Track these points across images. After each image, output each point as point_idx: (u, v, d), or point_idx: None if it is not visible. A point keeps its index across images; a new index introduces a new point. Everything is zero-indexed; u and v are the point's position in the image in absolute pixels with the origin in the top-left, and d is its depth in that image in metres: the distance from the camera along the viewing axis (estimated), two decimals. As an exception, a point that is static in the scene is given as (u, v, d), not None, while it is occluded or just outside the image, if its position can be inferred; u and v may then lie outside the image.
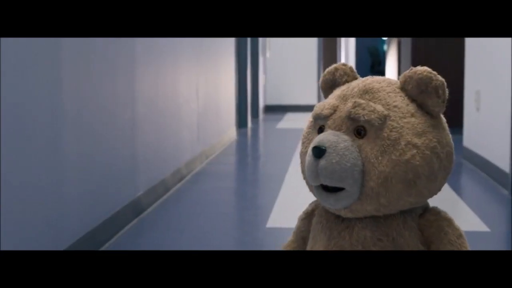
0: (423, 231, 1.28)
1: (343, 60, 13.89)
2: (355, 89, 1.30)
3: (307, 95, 10.62)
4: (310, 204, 1.43)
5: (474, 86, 4.86)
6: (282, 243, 2.86)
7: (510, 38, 3.92)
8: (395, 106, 1.25)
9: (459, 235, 1.28)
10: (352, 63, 15.99)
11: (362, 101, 1.26)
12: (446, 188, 4.07)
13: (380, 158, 1.22)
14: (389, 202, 1.23)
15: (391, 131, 1.23)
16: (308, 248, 1.37)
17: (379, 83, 1.31)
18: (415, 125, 1.24)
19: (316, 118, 1.32)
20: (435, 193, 1.29)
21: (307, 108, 10.58)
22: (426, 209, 1.32)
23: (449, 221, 1.29)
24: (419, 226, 1.28)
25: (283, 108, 10.63)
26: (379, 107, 1.25)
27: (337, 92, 1.35)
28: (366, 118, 1.23)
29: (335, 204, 1.25)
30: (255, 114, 9.08)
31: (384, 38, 17.52)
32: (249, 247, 2.81)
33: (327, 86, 1.41)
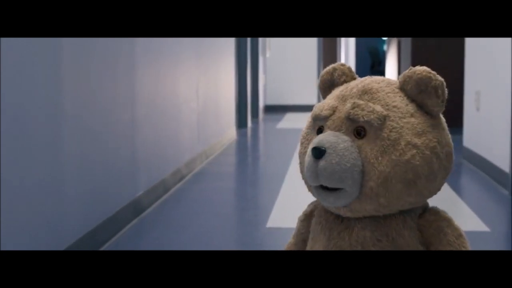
0: (422, 232, 1.28)
1: (343, 60, 13.89)
2: (354, 90, 1.30)
3: (307, 95, 10.62)
4: (309, 205, 1.43)
5: (474, 86, 4.86)
6: (283, 244, 2.86)
7: (510, 38, 3.92)
8: (394, 106, 1.25)
9: (459, 235, 1.28)
10: (352, 63, 15.98)
11: (361, 102, 1.25)
12: (446, 188, 4.07)
13: (380, 158, 1.22)
14: (388, 202, 1.23)
15: (390, 131, 1.22)
16: (308, 248, 1.37)
17: (378, 83, 1.30)
18: (415, 125, 1.23)
19: (315, 118, 1.32)
20: (435, 193, 1.29)
21: (307, 108, 10.58)
22: (426, 209, 1.31)
23: (448, 221, 1.29)
24: (418, 226, 1.28)
25: (283, 108, 10.63)
26: (378, 108, 1.24)
27: (336, 92, 1.34)
28: (365, 118, 1.23)
29: (334, 202, 1.24)
30: (255, 114, 9.08)
31: (384, 38, 17.52)
32: (249, 247, 2.81)
33: (325, 86, 1.41)
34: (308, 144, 1.33)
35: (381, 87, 1.29)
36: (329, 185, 1.23)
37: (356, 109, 1.25)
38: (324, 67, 13.04)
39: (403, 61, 7.98)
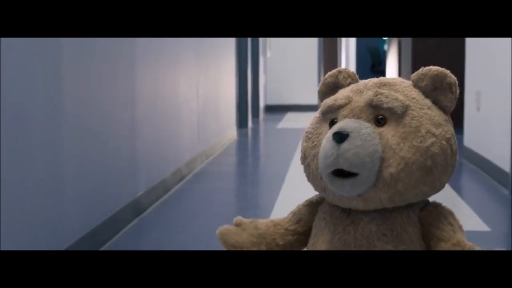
0: (423, 220, 1.30)
1: (343, 60, 13.89)
2: (370, 83, 1.33)
3: (307, 95, 10.62)
4: (315, 196, 1.43)
5: (475, 87, 4.86)
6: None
7: (510, 38, 3.92)
8: (413, 98, 1.29)
9: (459, 226, 1.30)
10: (352, 62, 15.99)
11: (384, 90, 1.29)
12: (446, 187, 4.07)
13: (401, 144, 1.24)
14: (405, 189, 1.24)
15: (412, 119, 1.26)
16: (310, 244, 1.37)
17: (393, 79, 1.35)
18: (432, 117, 1.28)
19: (327, 111, 1.33)
20: (441, 189, 1.31)
21: (308, 108, 10.58)
22: (427, 203, 1.34)
23: (449, 212, 1.32)
24: (420, 218, 1.30)
25: (284, 108, 10.63)
26: (401, 96, 1.28)
27: (347, 88, 1.36)
28: (389, 105, 1.26)
29: (351, 190, 1.24)
30: (255, 114, 9.09)
31: (385, 38, 17.52)
32: (249, 247, 2.81)
33: (328, 90, 1.41)
34: (317, 137, 1.33)
35: (396, 82, 1.33)
36: (348, 168, 1.23)
37: (379, 96, 1.28)
38: (325, 67, 13.04)
39: (403, 61, 7.98)
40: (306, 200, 1.44)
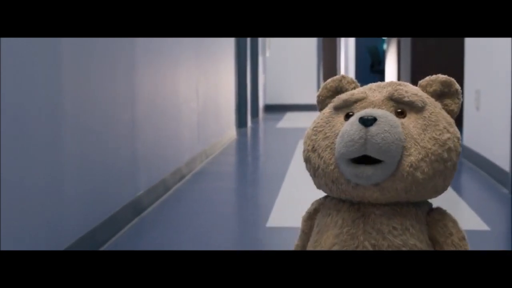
0: (429, 228, 1.31)
1: (343, 59, 13.89)
2: (384, 83, 1.37)
3: (306, 95, 10.62)
4: (313, 204, 1.43)
5: (474, 86, 4.86)
6: (283, 243, 2.86)
7: (510, 38, 3.92)
8: (427, 98, 1.35)
9: (462, 237, 1.32)
10: (351, 62, 15.98)
11: (402, 87, 1.34)
12: (446, 187, 4.07)
13: (422, 135, 1.28)
14: (423, 180, 1.26)
15: (430, 114, 1.31)
16: (312, 241, 1.37)
17: (404, 83, 1.39)
18: (445, 117, 1.33)
19: (342, 105, 1.34)
20: (446, 189, 1.34)
21: (307, 108, 10.58)
22: (432, 208, 1.35)
23: (454, 223, 1.33)
24: (426, 222, 1.32)
25: (283, 108, 10.63)
26: (420, 92, 1.34)
27: (359, 88, 1.38)
28: (410, 99, 1.31)
29: (371, 176, 1.24)
30: (255, 114, 9.08)
31: (384, 38, 17.51)
32: (249, 246, 2.81)
33: (329, 94, 1.42)
34: (332, 129, 1.33)
35: (408, 84, 1.37)
36: (375, 155, 1.23)
37: (399, 90, 1.32)
38: (324, 66, 13.04)
39: (403, 61, 7.98)
40: (306, 213, 1.43)
